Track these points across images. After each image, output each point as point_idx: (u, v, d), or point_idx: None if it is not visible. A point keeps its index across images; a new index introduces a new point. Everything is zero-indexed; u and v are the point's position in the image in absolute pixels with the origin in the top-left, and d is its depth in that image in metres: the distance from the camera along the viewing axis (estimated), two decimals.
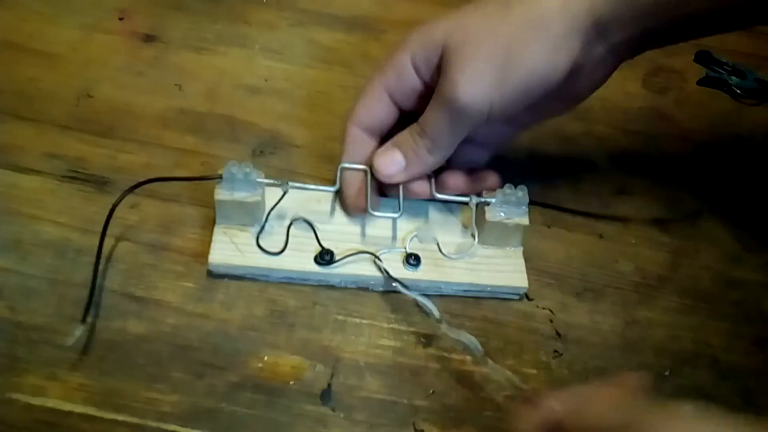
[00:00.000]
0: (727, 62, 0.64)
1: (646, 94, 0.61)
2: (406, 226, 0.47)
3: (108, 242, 0.45)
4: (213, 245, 0.44)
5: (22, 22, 0.58)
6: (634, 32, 0.42)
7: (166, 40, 0.59)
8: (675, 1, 0.42)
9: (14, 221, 0.46)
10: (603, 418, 0.32)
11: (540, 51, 0.41)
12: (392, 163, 0.45)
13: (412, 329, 0.44)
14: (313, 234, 0.46)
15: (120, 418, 0.39)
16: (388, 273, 0.44)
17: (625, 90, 0.61)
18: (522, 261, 0.47)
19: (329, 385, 0.41)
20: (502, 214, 0.46)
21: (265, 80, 0.57)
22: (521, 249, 0.47)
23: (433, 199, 0.47)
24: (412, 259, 0.46)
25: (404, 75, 0.44)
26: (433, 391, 0.42)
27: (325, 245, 0.45)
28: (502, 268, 0.46)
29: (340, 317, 0.44)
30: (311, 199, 0.47)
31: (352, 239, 0.46)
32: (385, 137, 0.46)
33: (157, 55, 0.58)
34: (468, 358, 0.43)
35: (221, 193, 0.44)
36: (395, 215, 0.45)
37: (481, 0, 0.43)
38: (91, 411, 0.39)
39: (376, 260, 0.45)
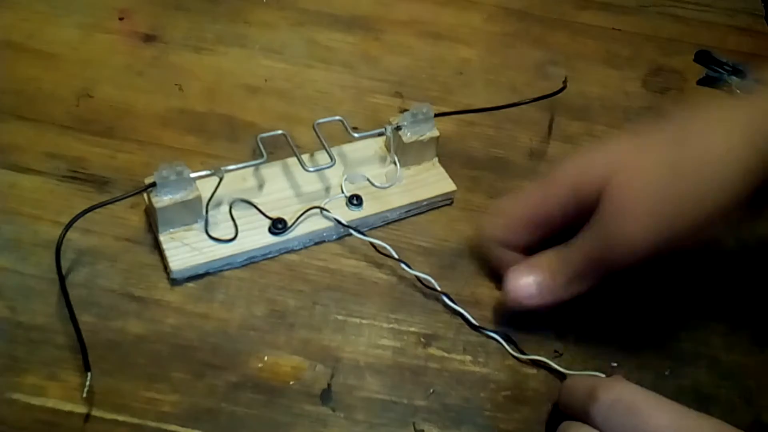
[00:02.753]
0: (727, 62, 0.64)
1: (646, 94, 0.61)
2: (334, 173, 0.49)
3: (108, 242, 0.45)
4: (167, 254, 0.44)
5: (22, 22, 0.58)
6: None
7: (166, 40, 0.59)
8: None
9: (14, 221, 0.46)
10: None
11: (712, 196, 0.39)
12: (524, 287, 0.43)
13: (412, 329, 0.44)
14: (254, 210, 0.46)
15: (120, 418, 0.39)
16: (339, 221, 0.46)
17: (625, 90, 0.61)
18: (442, 169, 0.50)
19: (329, 385, 0.41)
20: (416, 133, 0.48)
21: (265, 80, 0.57)
22: (436, 159, 0.51)
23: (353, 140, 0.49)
24: (355, 200, 0.48)
25: (554, 210, 0.42)
26: (433, 391, 0.42)
27: (271, 216, 0.46)
28: (429, 181, 0.50)
29: (340, 317, 0.44)
30: (237, 179, 0.48)
31: (291, 202, 0.47)
32: None
33: (157, 55, 0.58)
34: (468, 357, 0.43)
35: (160, 200, 0.43)
36: (330, 165, 0.47)
37: (640, 131, 0.42)
38: (91, 411, 0.39)
39: (324, 212, 0.46)
